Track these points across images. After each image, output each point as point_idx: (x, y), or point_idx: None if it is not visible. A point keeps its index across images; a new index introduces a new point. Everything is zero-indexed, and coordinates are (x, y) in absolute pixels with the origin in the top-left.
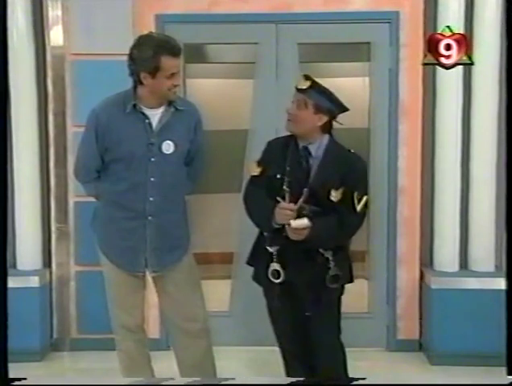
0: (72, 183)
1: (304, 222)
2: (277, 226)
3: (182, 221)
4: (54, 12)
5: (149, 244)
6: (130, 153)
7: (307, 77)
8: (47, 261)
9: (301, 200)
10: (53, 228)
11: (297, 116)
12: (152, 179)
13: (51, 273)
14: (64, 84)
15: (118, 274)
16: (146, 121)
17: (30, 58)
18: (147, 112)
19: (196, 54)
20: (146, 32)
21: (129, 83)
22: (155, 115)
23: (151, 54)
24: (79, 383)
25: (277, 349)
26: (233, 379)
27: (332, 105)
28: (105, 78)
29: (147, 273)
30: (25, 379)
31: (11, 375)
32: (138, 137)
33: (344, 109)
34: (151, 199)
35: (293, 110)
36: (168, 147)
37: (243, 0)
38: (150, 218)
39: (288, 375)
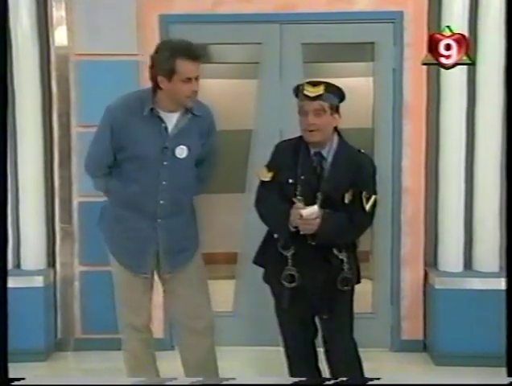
0: (77, 183)
1: (315, 209)
2: (293, 229)
3: (191, 222)
4: (58, 12)
5: (161, 247)
6: (144, 156)
7: (315, 83)
8: (51, 261)
9: (316, 205)
10: (57, 228)
11: (319, 124)
12: (164, 183)
13: (55, 273)
14: (68, 85)
15: (126, 274)
16: (163, 125)
17: (34, 58)
18: (164, 115)
19: None
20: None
21: (132, 83)
22: (172, 119)
23: (168, 56)
24: (83, 383)
25: (280, 349)
26: (233, 379)
27: (339, 100)
28: (109, 78)
29: (161, 274)
30: (24, 379)
31: (15, 374)
32: (153, 141)
33: (344, 98)
34: (162, 202)
35: (313, 120)
36: (182, 152)
37: (247, 0)
38: (159, 220)
39: (292, 375)
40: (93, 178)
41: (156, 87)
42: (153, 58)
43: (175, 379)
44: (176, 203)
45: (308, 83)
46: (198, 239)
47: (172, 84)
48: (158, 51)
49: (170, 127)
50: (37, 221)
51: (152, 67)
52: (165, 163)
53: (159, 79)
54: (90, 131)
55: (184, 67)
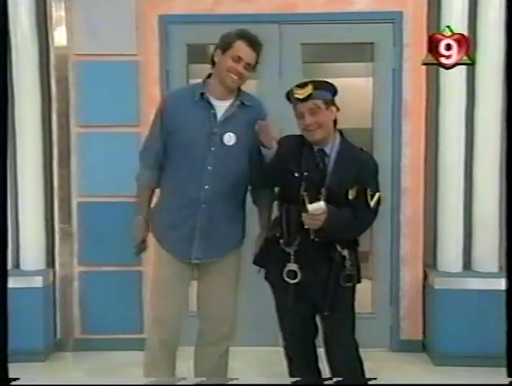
0: (76, 184)
1: (321, 204)
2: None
3: (237, 215)
4: (57, 13)
5: (198, 231)
6: (191, 140)
7: (302, 84)
8: (50, 262)
9: (322, 201)
10: (56, 229)
11: (318, 122)
12: (209, 168)
13: (54, 273)
14: (68, 85)
15: (167, 258)
16: (212, 111)
17: (33, 58)
18: (214, 102)
19: (199, 54)
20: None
21: (131, 83)
22: (221, 106)
23: (232, 35)
24: (82, 383)
25: (280, 349)
26: (236, 379)
27: (331, 93)
28: (109, 78)
29: (191, 259)
30: (18, 378)
31: (15, 374)
32: (201, 126)
33: (336, 90)
34: (206, 187)
35: (310, 119)
36: (229, 139)
37: (246, 0)
38: (203, 205)
39: (292, 375)
40: (146, 170)
41: (211, 64)
42: (220, 38)
43: (184, 379)
44: (222, 191)
45: (297, 86)
46: (240, 236)
47: (223, 57)
48: (228, 33)
49: (219, 114)
50: (36, 221)
51: (216, 47)
52: (212, 149)
53: (216, 52)
54: (90, 131)
55: (240, 47)
